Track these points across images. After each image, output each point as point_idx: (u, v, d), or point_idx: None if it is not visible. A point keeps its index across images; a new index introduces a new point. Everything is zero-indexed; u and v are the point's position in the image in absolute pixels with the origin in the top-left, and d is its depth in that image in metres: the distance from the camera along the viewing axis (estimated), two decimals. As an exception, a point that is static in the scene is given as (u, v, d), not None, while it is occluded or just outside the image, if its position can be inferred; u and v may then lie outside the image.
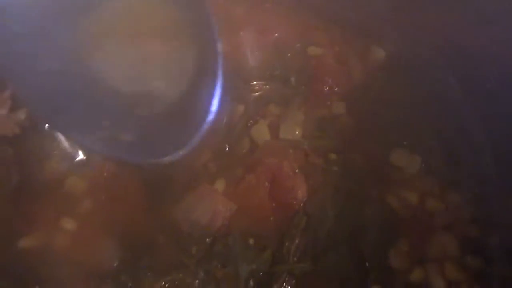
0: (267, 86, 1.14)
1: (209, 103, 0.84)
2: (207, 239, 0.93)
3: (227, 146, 1.05)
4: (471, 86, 1.04)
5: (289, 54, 1.20)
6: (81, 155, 1.05)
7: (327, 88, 1.13)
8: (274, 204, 0.96)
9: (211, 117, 0.84)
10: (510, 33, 0.97)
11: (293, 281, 0.90)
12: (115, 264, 0.93)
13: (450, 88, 1.08)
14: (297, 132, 1.04)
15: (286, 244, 0.92)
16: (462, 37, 1.08)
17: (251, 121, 1.08)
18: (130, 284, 0.91)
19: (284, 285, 0.90)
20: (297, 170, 1.00)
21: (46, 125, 1.04)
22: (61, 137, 1.07)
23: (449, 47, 1.08)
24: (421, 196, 0.98)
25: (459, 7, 1.06)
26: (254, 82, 1.15)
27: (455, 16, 1.07)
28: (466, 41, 1.07)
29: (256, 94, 1.13)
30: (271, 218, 0.96)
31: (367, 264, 0.92)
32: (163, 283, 0.90)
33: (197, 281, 0.90)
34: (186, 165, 1.03)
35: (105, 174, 1.02)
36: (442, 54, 1.09)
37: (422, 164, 1.02)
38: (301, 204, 0.97)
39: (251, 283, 0.90)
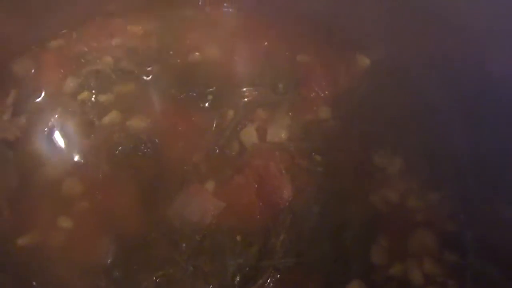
0: (256, 92, 1.19)
1: None
2: (197, 236, 0.97)
3: (217, 149, 1.10)
4: (451, 90, 1.08)
5: (278, 62, 1.25)
6: (77, 158, 1.10)
7: (314, 94, 1.19)
8: (261, 203, 1.01)
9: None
10: (488, 40, 1.02)
11: (278, 276, 0.94)
12: (109, 261, 0.96)
13: (431, 93, 1.12)
14: (283, 135, 1.09)
15: (272, 240, 0.96)
16: (444, 46, 1.12)
17: (240, 125, 1.12)
18: (123, 280, 0.95)
19: (269, 279, 0.93)
20: (283, 171, 1.04)
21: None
22: (59, 141, 1.12)
23: (431, 55, 1.13)
24: (401, 195, 1.02)
25: (440, 19, 1.11)
26: (244, 88, 1.20)
27: (437, 27, 1.12)
28: (448, 49, 1.12)
29: (245, 99, 1.18)
30: (258, 216, 1.00)
31: (349, 259, 0.95)
32: (154, 278, 0.94)
33: (186, 275, 0.94)
34: (178, 166, 1.08)
35: (100, 176, 1.07)
36: (424, 60, 1.14)
37: (403, 164, 1.06)
38: (287, 203, 1.01)
39: (238, 277, 0.93)
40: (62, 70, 1.24)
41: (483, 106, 1.03)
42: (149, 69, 1.25)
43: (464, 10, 1.05)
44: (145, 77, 1.24)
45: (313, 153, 1.08)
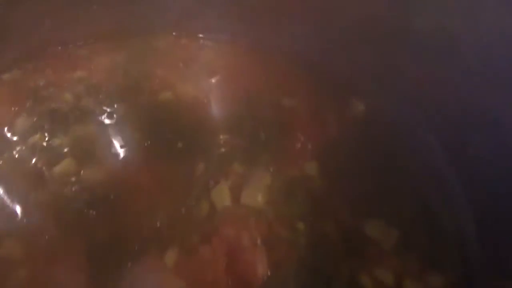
0: (234, 141, 1.03)
1: None
2: (152, 320, 0.81)
3: (183, 209, 0.94)
4: (453, 150, 0.94)
5: (260, 105, 1.10)
6: (20, 215, 0.94)
7: (299, 145, 1.03)
8: (230, 282, 0.85)
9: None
10: (491, 96, 0.87)
11: None
12: None
13: (433, 152, 0.98)
14: (260, 198, 0.93)
15: (241, 330, 0.80)
16: (445, 96, 0.98)
17: (212, 181, 0.97)
18: None
19: None
20: (259, 242, 0.88)
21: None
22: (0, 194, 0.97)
23: (432, 106, 0.98)
24: (397, 276, 0.86)
25: (446, 62, 0.96)
26: (220, 136, 1.05)
27: (440, 72, 0.97)
28: (449, 100, 0.97)
29: (220, 149, 1.03)
30: (227, 297, 0.84)
31: None
32: None
33: None
34: (136, 230, 0.92)
35: (45, 239, 0.91)
36: (425, 114, 0.99)
37: (400, 238, 0.90)
38: (261, 282, 0.84)
39: None
40: (13, 108, 1.08)
41: (485, 169, 0.88)
42: (112, 109, 1.08)
43: (471, 51, 0.89)
44: (107, 119, 1.08)
45: (295, 220, 0.92)
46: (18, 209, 0.96)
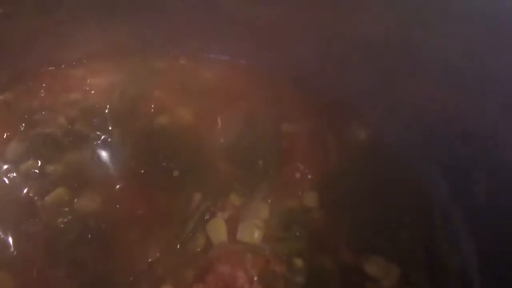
0: (231, 170, 1.00)
1: None
2: None
3: (178, 243, 0.91)
4: (458, 186, 0.90)
5: (259, 130, 1.07)
6: (11, 248, 0.91)
7: (299, 174, 1.00)
8: (225, 322, 0.82)
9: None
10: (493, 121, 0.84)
11: None
12: None
13: (437, 185, 0.94)
14: (256, 235, 0.90)
15: None
16: (447, 121, 0.94)
17: (208, 213, 0.94)
18: None
19: None
20: (255, 279, 0.85)
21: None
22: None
23: (437, 138, 0.94)
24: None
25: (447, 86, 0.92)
26: (217, 164, 1.02)
27: (441, 95, 0.94)
28: (450, 125, 0.93)
29: (217, 178, 0.99)
30: None
31: None
32: None
33: None
34: (129, 264, 0.89)
35: (38, 269, 0.88)
36: (430, 145, 0.95)
37: (401, 275, 0.87)
38: (257, 323, 0.82)
39: None
40: (6, 133, 1.05)
41: (492, 200, 0.85)
42: (107, 134, 1.05)
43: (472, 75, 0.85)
44: (101, 145, 1.05)
45: (293, 256, 0.89)
46: (9, 240, 0.93)
